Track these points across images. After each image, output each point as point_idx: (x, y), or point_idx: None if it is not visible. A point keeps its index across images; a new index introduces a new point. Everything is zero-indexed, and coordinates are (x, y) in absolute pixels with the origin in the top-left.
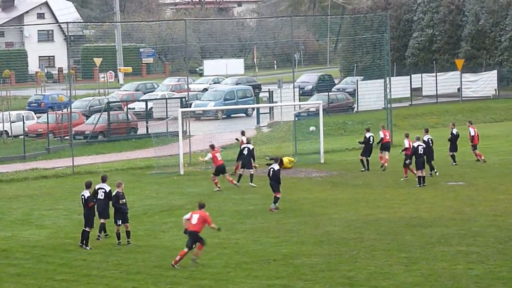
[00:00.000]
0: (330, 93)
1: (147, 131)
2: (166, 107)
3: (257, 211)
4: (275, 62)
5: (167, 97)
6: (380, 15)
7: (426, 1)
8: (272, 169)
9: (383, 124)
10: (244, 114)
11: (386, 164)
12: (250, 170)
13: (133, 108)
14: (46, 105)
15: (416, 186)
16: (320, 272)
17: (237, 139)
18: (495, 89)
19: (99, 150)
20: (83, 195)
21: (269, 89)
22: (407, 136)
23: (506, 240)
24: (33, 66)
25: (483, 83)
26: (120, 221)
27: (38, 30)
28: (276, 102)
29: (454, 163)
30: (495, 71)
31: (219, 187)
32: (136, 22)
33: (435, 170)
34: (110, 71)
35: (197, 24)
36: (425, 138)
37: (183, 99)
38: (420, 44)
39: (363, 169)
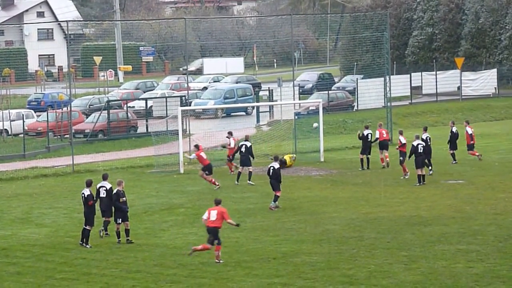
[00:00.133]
0: (330, 92)
1: (147, 129)
2: (166, 105)
3: (257, 209)
4: (275, 60)
5: (167, 95)
6: (380, 13)
7: (426, 0)
8: (272, 168)
9: (380, 123)
10: (244, 113)
11: (387, 160)
12: (249, 167)
13: (133, 107)
14: (46, 103)
15: (416, 184)
16: (320, 270)
17: (223, 146)
18: (495, 88)
19: (99, 148)
20: (83, 193)
21: (269, 87)
22: (401, 133)
23: (506, 238)
24: (33, 64)
25: (483, 81)
26: (120, 219)
27: (38, 29)
28: (276, 101)
29: (454, 162)
30: (495, 70)
31: (218, 185)
32: (136, 20)
33: (430, 168)
34: (110, 70)
35: (197, 23)
36: (424, 137)
37: (183, 98)
38: (420, 42)
39: (361, 168)
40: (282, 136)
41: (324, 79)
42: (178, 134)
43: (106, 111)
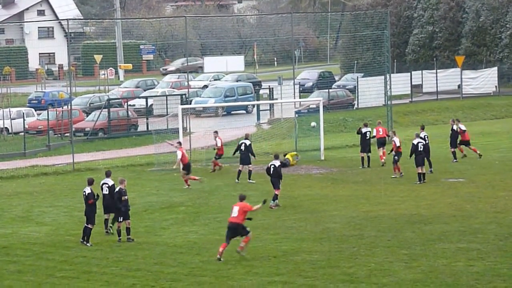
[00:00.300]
0: (330, 90)
1: (148, 128)
2: (166, 104)
3: None
4: (275, 59)
5: (167, 94)
6: (380, 12)
7: None
8: (273, 166)
9: (379, 121)
10: (244, 111)
11: (384, 157)
12: (249, 166)
13: (134, 105)
14: (47, 102)
15: (416, 183)
16: (320, 269)
17: (214, 148)
18: (496, 86)
19: (100, 147)
20: (84, 191)
21: (269, 86)
22: (395, 133)
23: (507, 236)
24: (33, 63)
25: (484, 80)
26: (122, 218)
27: (39, 27)
28: (276, 99)
29: (455, 160)
30: (496, 68)
31: (198, 179)
32: (136, 19)
33: (430, 169)
34: (111, 68)
35: (197, 21)
36: (422, 135)
37: (183, 96)
38: (421, 41)
39: (361, 167)
40: (283, 134)
41: (324, 77)
42: (178, 133)
43: (106, 110)
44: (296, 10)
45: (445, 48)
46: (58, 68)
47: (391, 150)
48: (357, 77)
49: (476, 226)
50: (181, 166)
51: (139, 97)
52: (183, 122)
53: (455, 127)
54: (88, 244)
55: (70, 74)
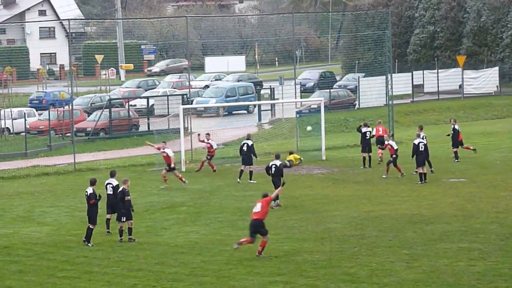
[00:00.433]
0: (331, 90)
1: (149, 128)
2: (168, 104)
3: None
4: (276, 59)
5: (168, 94)
6: (382, 12)
7: None
8: (274, 166)
9: (379, 121)
10: (245, 111)
11: (381, 156)
12: (250, 166)
13: (135, 105)
14: (48, 102)
15: (418, 182)
16: (321, 269)
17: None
18: (497, 86)
19: (101, 147)
20: (86, 191)
21: (270, 86)
22: (390, 137)
23: (508, 236)
24: (34, 63)
25: (485, 79)
26: (125, 218)
27: (40, 27)
28: (277, 99)
29: (456, 160)
30: (497, 68)
31: (165, 185)
32: (137, 19)
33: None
34: (112, 68)
35: (198, 21)
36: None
37: (185, 96)
38: (422, 40)
39: (363, 167)
40: (284, 134)
41: (325, 77)
42: (179, 133)
43: (107, 110)
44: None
45: (446, 48)
46: (59, 68)
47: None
48: (358, 77)
49: (477, 226)
50: (169, 164)
51: (140, 97)
52: (184, 122)
53: (457, 127)
54: (89, 244)
55: (71, 74)
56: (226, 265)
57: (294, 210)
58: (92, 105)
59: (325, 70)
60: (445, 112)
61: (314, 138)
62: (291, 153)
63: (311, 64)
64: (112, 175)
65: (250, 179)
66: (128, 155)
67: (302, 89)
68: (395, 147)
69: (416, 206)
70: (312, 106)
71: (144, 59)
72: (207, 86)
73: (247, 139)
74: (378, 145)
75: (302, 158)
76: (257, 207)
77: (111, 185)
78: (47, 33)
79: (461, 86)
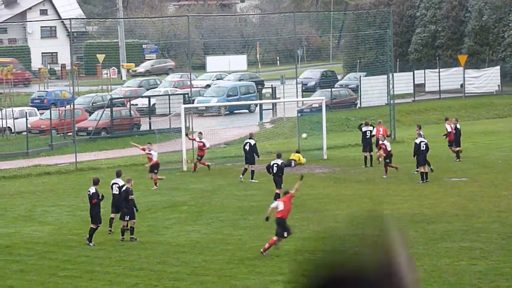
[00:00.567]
0: (333, 89)
1: (150, 127)
2: (169, 103)
3: (260, 207)
4: (278, 58)
5: (170, 93)
6: (383, 11)
7: None
8: (275, 165)
9: (380, 120)
10: (247, 110)
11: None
12: (252, 166)
13: (136, 104)
14: (49, 101)
15: (419, 182)
16: None
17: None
18: (498, 85)
19: (102, 146)
20: (89, 191)
21: (272, 85)
22: (384, 137)
23: (509, 236)
24: (36, 62)
25: (486, 79)
26: (128, 217)
27: (41, 27)
28: (279, 98)
29: (458, 160)
30: (498, 67)
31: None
32: (139, 18)
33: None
34: (113, 68)
35: (199, 21)
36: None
37: (186, 95)
38: (423, 40)
39: (364, 166)
40: (285, 133)
41: (327, 76)
42: (181, 132)
43: (109, 109)
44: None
45: (448, 47)
46: (61, 67)
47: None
48: (360, 76)
49: (479, 225)
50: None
51: (142, 97)
52: (185, 121)
53: (458, 126)
54: (91, 243)
55: (72, 73)
56: (228, 264)
57: (295, 209)
58: (94, 104)
59: (327, 69)
60: (446, 112)
61: (315, 137)
62: (297, 151)
63: (312, 63)
64: (118, 175)
65: (252, 179)
66: (129, 155)
67: (303, 88)
68: (389, 148)
69: (418, 205)
70: (313, 105)
71: (146, 58)
72: (208, 86)
73: (250, 138)
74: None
75: (305, 161)
76: (280, 206)
77: (117, 185)
78: (49, 33)
79: (462, 85)
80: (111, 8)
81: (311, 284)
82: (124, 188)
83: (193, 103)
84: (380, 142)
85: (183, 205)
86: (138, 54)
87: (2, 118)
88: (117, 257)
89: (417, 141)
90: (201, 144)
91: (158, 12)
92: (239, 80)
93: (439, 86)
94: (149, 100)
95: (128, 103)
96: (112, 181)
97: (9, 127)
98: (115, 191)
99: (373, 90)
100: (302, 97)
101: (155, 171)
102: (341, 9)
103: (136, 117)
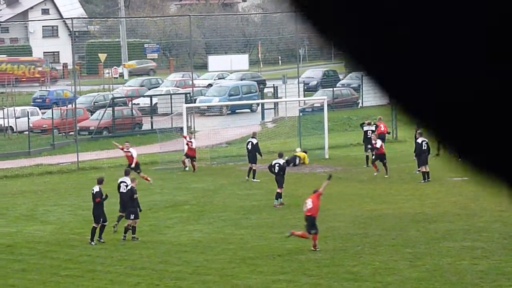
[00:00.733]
0: (334, 89)
1: (152, 126)
2: (171, 102)
3: (261, 206)
4: (279, 57)
5: (171, 92)
6: None
7: None
8: (277, 164)
9: (380, 117)
10: (248, 110)
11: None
12: (254, 165)
13: (138, 104)
14: (51, 101)
15: (421, 181)
16: (324, 267)
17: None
18: None
19: (104, 145)
20: (93, 190)
21: (273, 84)
22: (376, 136)
23: (511, 235)
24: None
25: None
26: (133, 216)
27: (43, 26)
28: (280, 98)
29: (459, 159)
30: None
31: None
32: (140, 17)
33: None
34: (115, 67)
35: (201, 20)
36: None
37: (188, 95)
38: None
39: (366, 166)
40: (287, 133)
41: (329, 76)
42: (183, 131)
43: (111, 108)
44: None
45: None
46: (63, 67)
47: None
48: (362, 75)
49: (480, 224)
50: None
51: (144, 96)
52: (187, 121)
53: None
54: (92, 242)
55: (74, 73)
56: (229, 264)
57: (297, 209)
58: (95, 103)
59: (329, 69)
60: None
61: (317, 137)
62: (305, 151)
63: (314, 63)
64: (126, 173)
65: (254, 178)
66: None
67: (305, 87)
68: (379, 145)
69: (420, 204)
70: (315, 105)
71: (147, 57)
72: (210, 85)
73: (252, 137)
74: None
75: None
76: (309, 204)
77: (125, 184)
78: (50, 32)
79: None
80: (112, 8)
81: None
82: (128, 187)
83: (195, 102)
84: (373, 141)
85: (185, 204)
86: (140, 53)
87: (4, 118)
88: (119, 257)
89: (419, 140)
90: (190, 143)
91: (160, 11)
92: (241, 80)
93: None
94: (151, 100)
95: (130, 102)
96: (120, 180)
97: (11, 126)
98: (123, 189)
99: (375, 89)
100: (304, 96)
101: (138, 170)
102: None
103: (138, 117)
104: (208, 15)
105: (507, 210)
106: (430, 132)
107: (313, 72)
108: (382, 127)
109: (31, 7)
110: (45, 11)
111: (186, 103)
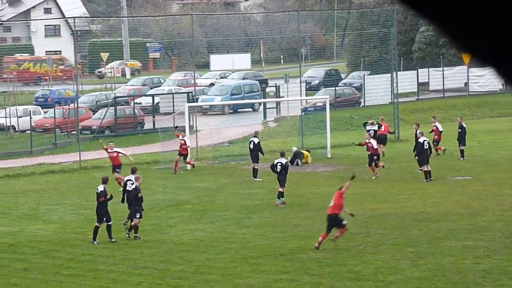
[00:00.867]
0: (337, 88)
1: (154, 126)
2: (173, 102)
3: (263, 205)
4: (281, 57)
5: (173, 92)
6: (387, 9)
7: None
8: (280, 163)
9: (382, 117)
10: (250, 109)
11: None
12: (255, 164)
13: (140, 103)
14: (53, 100)
15: (423, 180)
16: (326, 266)
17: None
18: (502, 84)
19: (106, 145)
20: (97, 189)
21: (275, 83)
22: (370, 136)
23: None
24: None
25: (490, 77)
26: (139, 214)
27: (45, 25)
28: (282, 97)
29: (462, 158)
30: None
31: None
32: (142, 17)
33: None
34: (117, 66)
35: (203, 19)
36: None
37: (190, 94)
38: (427, 38)
39: (368, 165)
40: (289, 132)
41: (331, 75)
42: (185, 130)
43: (113, 108)
44: (303, 8)
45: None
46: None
47: (373, 159)
48: (364, 75)
49: (482, 224)
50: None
51: (146, 95)
52: (189, 120)
53: (464, 124)
54: (95, 242)
55: (76, 72)
56: (231, 263)
57: (299, 208)
58: (98, 103)
59: (330, 68)
60: (450, 110)
61: (319, 136)
62: (308, 150)
63: (316, 62)
64: (133, 171)
65: (255, 177)
66: (133, 153)
67: (307, 87)
68: (375, 146)
69: (422, 204)
70: (317, 104)
71: (150, 57)
72: (212, 84)
73: (254, 136)
74: (381, 143)
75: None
76: (332, 202)
77: (131, 182)
78: (52, 31)
79: (466, 84)
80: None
81: None
82: (133, 186)
83: (197, 101)
84: (367, 140)
85: (187, 203)
86: (142, 52)
87: (6, 117)
88: (121, 256)
89: (421, 140)
90: (183, 142)
91: (162, 10)
92: (243, 79)
93: (443, 84)
94: (153, 99)
95: (132, 101)
96: (127, 178)
97: (13, 125)
98: (129, 187)
99: (377, 88)
100: (306, 95)
101: (117, 170)
102: (345, 8)
103: (140, 116)
104: (210, 14)
105: (509, 210)
106: None
107: (315, 71)
108: (383, 128)
109: (33, 6)
110: (47, 10)
111: (188, 102)
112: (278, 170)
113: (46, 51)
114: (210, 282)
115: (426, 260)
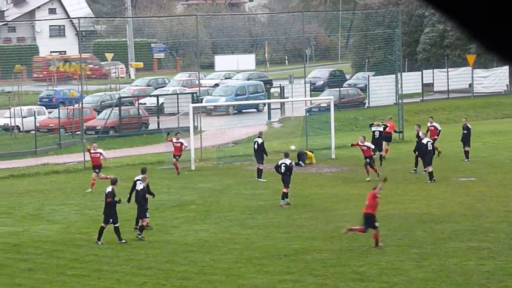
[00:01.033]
0: (341, 89)
1: (158, 126)
2: (178, 102)
3: (268, 206)
4: (286, 57)
5: (178, 92)
6: (392, 10)
7: None
8: (284, 164)
9: (390, 116)
10: (255, 110)
11: (384, 154)
12: (260, 165)
13: (144, 103)
14: (58, 100)
15: (427, 182)
16: (331, 267)
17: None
18: (507, 85)
19: (111, 145)
20: (106, 189)
21: (280, 84)
22: (365, 138)
23: None
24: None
25: (495, 78)
26: (147, 214)
27: (50, 25)
28: (287, 98)
29: (466, 159)
30: (507, 67)
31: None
32: (147, 17)
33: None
34: (122, 66)
35: (208, 20)
36: (420, 134)
37: (194, 95)
38: (432, 39)
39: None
40: (293, 133)
41: (335, 76)
42: (189, 131)
43: (117, 108)
44: (307, 8)
45: (456, 46)
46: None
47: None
48: (368, 75)
49: (487, 225)
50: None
51: (150, 96)
52: (194, 120)
53: (469, 125)
54: (99, 242)
55: (81, 72)
56: (236, 264)
57: (303, 209)
58: (102, 103)
59: (335, 69)
60: (455, 111)
61: (323, 137)
62: (311, 151)
63: (321, 63)
64: (143, 171)
65: (260, 178)
66: (137, 153)
67: (312, 87)
68: (372, 147)
69: (426, 205)
70: (322, 105)
71: (154, 57)
72: (217, 85)
73: (258, 137)
74: (386, 142)
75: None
76: (366, 201)
77: (140, 181)
78: (57, 32)
79: (471, 85)
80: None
81: None
82: (141, 186)
83: (201, 102)
84: (360, 143)
85: (191, 204)
86: (147, 53)
87: (10, 117)
88: (125, 256)
89: (424, 141)
90: (179, 144)
91: (167, 11)
92: (248, 80)
93: (448, 85)
94: (158, 99)
95: (137, 102)
96: (136, 178)
97: (17, 125)
98: (138, 187)
99: (382, 89)
100: (311, 96)
101: (97, 170)
102: (350, 9)
103: (145, 116)
104: (215, 15)
105: None
106: None
107: (320, 72)
108: (389, 127)
109: (38, 7)
110: (52, 11)
111: (192, 102)
112: (283, 171)
113: (51, 51)
114: (214, 282)
115: (430, 261)
